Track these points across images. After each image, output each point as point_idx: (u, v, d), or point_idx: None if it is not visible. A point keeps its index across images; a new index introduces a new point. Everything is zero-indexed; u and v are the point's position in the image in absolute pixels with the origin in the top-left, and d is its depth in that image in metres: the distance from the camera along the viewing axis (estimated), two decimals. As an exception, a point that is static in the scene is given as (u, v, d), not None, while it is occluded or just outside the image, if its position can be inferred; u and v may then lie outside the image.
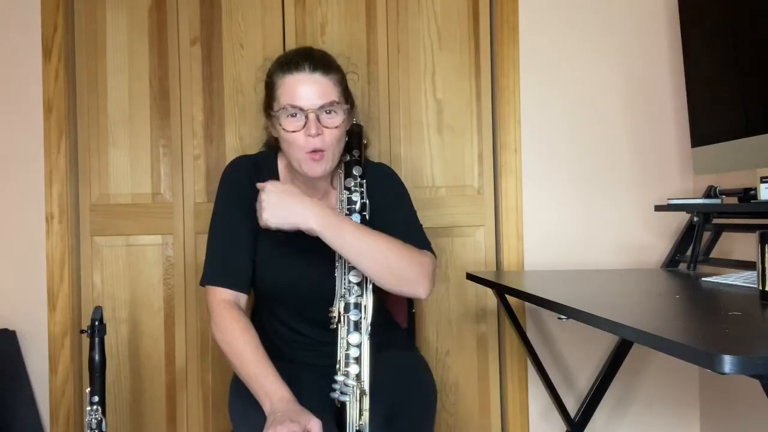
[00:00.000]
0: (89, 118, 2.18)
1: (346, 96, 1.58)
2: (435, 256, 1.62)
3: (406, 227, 1.62)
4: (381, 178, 1.66)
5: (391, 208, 1.63)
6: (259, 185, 1.50)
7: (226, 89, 2.20)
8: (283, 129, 1.52)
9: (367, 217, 1.55)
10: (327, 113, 1.51)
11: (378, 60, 2.23)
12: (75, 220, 2.16)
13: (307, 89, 1.51)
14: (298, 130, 1.51)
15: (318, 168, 1.53)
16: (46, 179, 2.11)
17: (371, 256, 1.48)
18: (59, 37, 2.12)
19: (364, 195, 1.56)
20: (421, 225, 1.67)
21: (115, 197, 2.18)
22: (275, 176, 1.66)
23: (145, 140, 2.19)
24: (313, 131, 1.49)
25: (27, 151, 2.12)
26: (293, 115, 1.51)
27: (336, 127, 1.52)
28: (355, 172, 1.57)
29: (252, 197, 1.61)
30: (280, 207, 1.46)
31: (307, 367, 1.65)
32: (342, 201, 1.56)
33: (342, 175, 1.58)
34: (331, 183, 1.65)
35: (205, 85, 2.20)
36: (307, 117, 1.50)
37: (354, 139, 1.61)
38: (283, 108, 1.51)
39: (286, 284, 1.62)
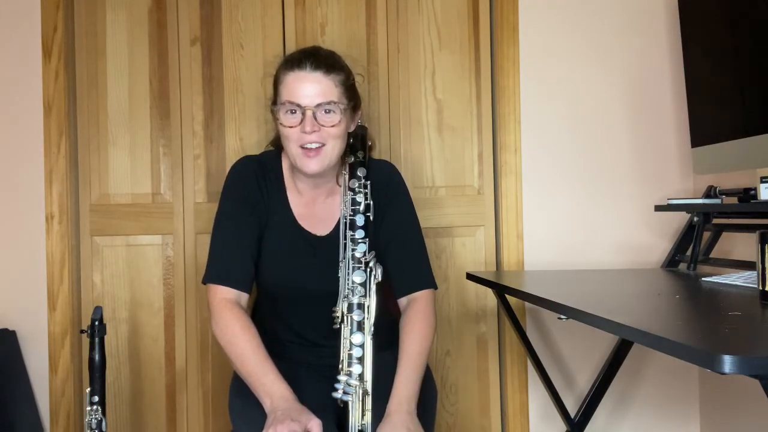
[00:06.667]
0: (89, 118, 2.18)
1: (350, 96, 1.60)
2: (435, 287, 1.67)
3: (412, 262, 1.66)
4: (383, 178, 1.67)
5: (397, 233, 1.65)
6: None
7: (226, 89, 2.20)
8: (281, 124, 1.56)
9: (371, 218, 1.56)
10: (325, 112, 1.54)
11: (378, 60, 2.23)
12: (75, 220, 2.16)
13: (306, 87, 1.54)
14: (295, 126, 1.54)
15: (312, 164, 1.55)
16: (46, 179, 2.11)
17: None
18: (59, 37, 2.12)
19: (369, 196, 1.57)
20: (426, 249, 1.69)
21: (115, 197, 2.18)
22: (279, 176, 1.67)
23: (145, 140, 2.19)
24: (308, 128, 1.52)
25: (27, 151, 2.12)
26: (292, 112, 1.55)
27: (333, 126, 1.54)
28: (359, 173, 1.57)
29: (258, 196, 1.62)
30: None
31: (308, 366, 1.65)
32: (346, 202, 1.56)
33: (346, 176, 1.59)
34: (337, 182, 1.66)
35: (205, 85, 2.20)
36: (304, 114, 1.53)
37: (358, 140, 1.62)
38: (283, 104, 1.55)
39: (289, 284, 1.62)
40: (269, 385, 1.44)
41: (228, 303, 1.54)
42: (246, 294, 1.59)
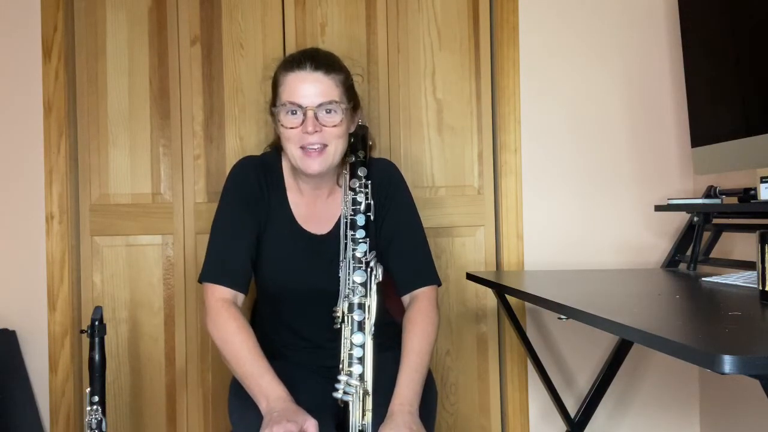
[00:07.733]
0: (89, 118, 2.18)
1: (349, 97, 1.60)
2: (438, 283, 1.66)
3: (413, 259, 1.65)
4: (383, 176, 1.67)
5: (399, 230, 1.65)
6: None
7: (226, 89, 2.20)
8: (282, 125, 1.55)
9: (372, 217, 1.56)
10: (326, 112, 1.54)
11: (378, 60, 2.23)
12: (75, 220, 2.16)
13: (307, 87, 1.53)
14: (296, 127, 1.53)
15: (315, 164, 1.54)
16: (46, 179, 2.11)
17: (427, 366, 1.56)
18: (59, 37, 2.12)
19: (369, 196, 1.57)
20: (428, 245, 1.68)
21: (115, 197, 2.18)
22: (280, 176, 1.66)
23: (145, 140, 2.19)
24: (310, 128, 1.52)
25: (27, 151, 2.12)
26: (293, 113, 1.54)
27: (334, 126, 1.54)
28: (360, 173, 1.57)
29: (259, 196, 1.62)
30: None
31: (308, 367, 1.65)
32: (347, 202, 1.56)
33: (347, 176, 1.59)
34: (337, 182, 1.66)
35: (205, 85, 2.20)
36: (305, 114, 1.52)
37: (359, 140, 1.62)
38: (284, 104, 1.55)
39: (289, 283, 1.62)
40: (265, 385, 1.44)
41: (225, 303, 1.53)
42: (243, 295, 1.58)
